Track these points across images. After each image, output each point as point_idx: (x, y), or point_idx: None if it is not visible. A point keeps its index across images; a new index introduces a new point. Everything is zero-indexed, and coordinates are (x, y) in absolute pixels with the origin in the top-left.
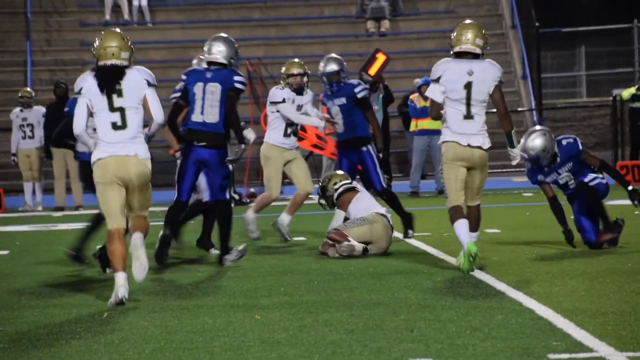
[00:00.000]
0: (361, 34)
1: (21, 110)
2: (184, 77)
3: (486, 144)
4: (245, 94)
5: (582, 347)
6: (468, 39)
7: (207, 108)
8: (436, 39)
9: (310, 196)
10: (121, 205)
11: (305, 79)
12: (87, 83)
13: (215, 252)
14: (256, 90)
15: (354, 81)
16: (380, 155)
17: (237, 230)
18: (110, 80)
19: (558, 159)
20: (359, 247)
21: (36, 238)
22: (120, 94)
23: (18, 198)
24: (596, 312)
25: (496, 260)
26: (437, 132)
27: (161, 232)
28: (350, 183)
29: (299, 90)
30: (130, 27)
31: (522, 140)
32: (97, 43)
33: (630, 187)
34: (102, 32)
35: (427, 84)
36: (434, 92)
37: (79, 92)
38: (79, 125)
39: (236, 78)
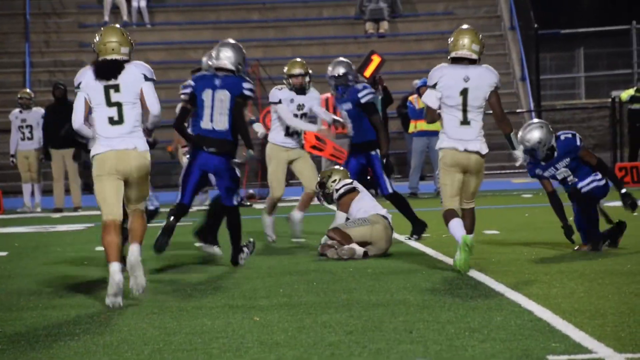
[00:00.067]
0: (360, 35)
1: (20, 112)
2: (192, 83)
3: (483, 149)
4: None
5: (581, 348)
6: (464, 45)
7: (217, 116)
8: (435, 40)
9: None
10: (118, 197)
11: (307, 78)
12: (85, 78)
13: (217, 250)
14: (255, 91)
15: (360, 85)
16: (384, 160)
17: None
18: (107, 72)
19: (556, 154)
20: (360, 251)
21: (35, 239)
22: (117, 89)
23: (17, 199)
24: (595, 313)
25: (495, 261)
26: (436, 134)
27: (165, 221)
28: (351, 183)
29: (300, 90)
30: (129, 28)
31: (520, 132)
32: (97, 39)
33: (623, 190)
34: (102, 28)
35: (426, 85)
36: (429, 98)
37: (78, 87)
38: (77, 119)
39: (245, 85)
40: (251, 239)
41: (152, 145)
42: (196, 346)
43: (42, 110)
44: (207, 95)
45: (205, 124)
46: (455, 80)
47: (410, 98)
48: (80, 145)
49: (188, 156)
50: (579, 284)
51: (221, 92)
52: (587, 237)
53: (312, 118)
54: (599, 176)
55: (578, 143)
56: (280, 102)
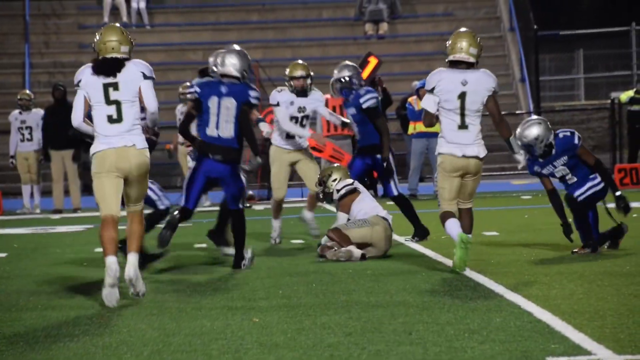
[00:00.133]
0: (359, 36)
1: (20, 113)
2: (197, 89)
3: (481, 153)
4: None
5: (580, 349)
6: (462, 48)
7: (222, 123)
8: (434, 41)
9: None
10: (117, 195)
11: (308, 81)
12: (85, 76)
13: (229, 250)
14: (260, 99)
15: (363, 90)
16: (384, 164)
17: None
18: (107, 69)
19: (554, 151)
20: (357, 253)
21: (34, 240)
22: (116, 87)
23: (16, 201)
24: (594, 314)
25: (495, 262)
26: (436, 135)
27: (169, 216)
28: (352, 184)
29: (301, 93)
30: (128, 29)
31: (519, 129)
32: (97, 38)
33: (618, 193)
34: (102, 27)
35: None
36: (428, 102)
37: (78, 85)
38: (77, 116)
39: (251, 93)
40: (251, 254)
41: (154, 142)
42: (195, 347)
43: (41, 112)
44: (212, 102)
45: (210, 130)
46: (453, 84)
47: (409, 99)
48: (81, 146)
49: (193, 156)
50: (579, 285)
51: (227, 100)
52: (585, 238)
53: (313, 120)
54: (597, 180)
55: (576, 141)
56: (277, 104)
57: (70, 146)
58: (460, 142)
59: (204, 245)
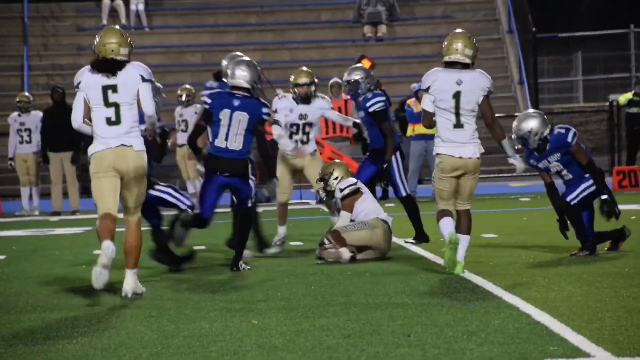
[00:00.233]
0: (358, 38)
1: (19, 115)
2: (207, 100)
3: (478, 152)
4: None
5: (579, 352)
6: (457, 49)
7: (232, 135)
8: (433, 43)
9: (308, 201)
10: (115, 194)
11: (312, 87)
12: (84, 77)
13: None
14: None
15: (370, 94)
16: (384, 166)
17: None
18: (106, 68)
19: (548, 146)
20: (346, 255)
21: (33, 243)
22: (115, 89)
23: (15, 203)
24: (593, 316)
25: (493, 264)
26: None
27: (182, 214)
28: (355, 183)
29: (305, 100)
30: (127, 31)
31: (515, 121)
32: (97, 40)
33: (604, 196)
34: (102, 30)
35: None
36: (427, 103)
37: (77, 86)
38: (76, 118)
39: (264, 110)
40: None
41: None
42: (194, 349)
43: (40, 114)
44: (224, 115)
45: (219, 142)
46: (448, 83)
47: (408, 101)
48: (79, 148)
49: (202, 162)
50: (577, 287)
51: (240, 114)
52: (581, 239)
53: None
54: (589, 182)
55: (569, 139)
56: (276, 111)
57: (69, 148)
58: (456, 141)
59: (202, 247)
